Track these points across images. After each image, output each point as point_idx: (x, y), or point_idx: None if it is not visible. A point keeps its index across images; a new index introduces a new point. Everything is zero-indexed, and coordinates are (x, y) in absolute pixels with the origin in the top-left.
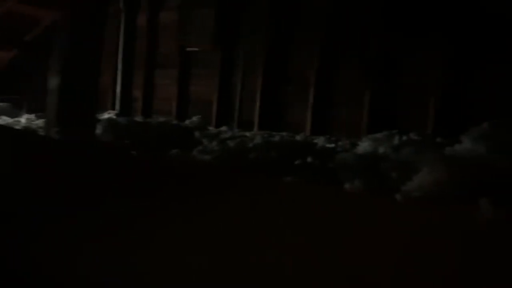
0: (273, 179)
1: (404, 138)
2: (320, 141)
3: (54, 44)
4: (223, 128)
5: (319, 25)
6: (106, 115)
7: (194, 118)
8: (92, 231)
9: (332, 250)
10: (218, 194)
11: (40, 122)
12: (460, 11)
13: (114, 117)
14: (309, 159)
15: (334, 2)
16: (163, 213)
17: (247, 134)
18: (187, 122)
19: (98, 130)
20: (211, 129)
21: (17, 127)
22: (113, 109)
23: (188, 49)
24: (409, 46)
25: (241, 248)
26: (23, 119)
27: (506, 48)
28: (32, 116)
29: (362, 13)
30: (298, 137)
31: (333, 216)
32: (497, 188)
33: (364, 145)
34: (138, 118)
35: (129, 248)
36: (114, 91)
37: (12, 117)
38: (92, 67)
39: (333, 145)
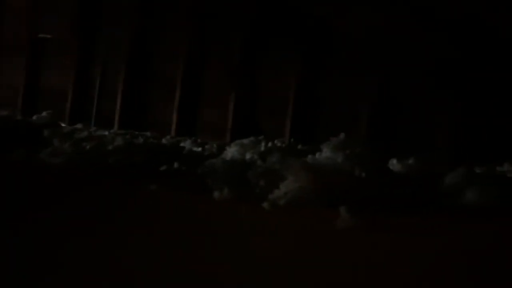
0: (136, 187)
1: (270, 144)
2: (186, 144)
3: None
4: (79, 125)
5: (186, 26)
6: None
7: (44, 113)
8: None
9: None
10: (68, 204)
11: None
12: (308, 24)
13: None
14: (176, 165)
15: (201, 4)
16: None
17: (106, 133)
18: (35, 117)
19: None
20: (65, 126)
21: None
22: None
23: (41, 35)
24: (268, 56)
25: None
26: None
27: (347, 60)
28: None
29: (228, 17)
30: (164, 140)
31: (199, 226)
32: (354, 196)
33: (231, 151)
34: None
35: None
36: None
37: None
38: None
39: (200, 148)
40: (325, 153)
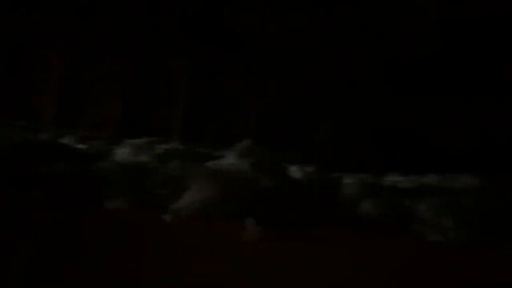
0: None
1: (167, 147)
2: (68, 140)
3: None
4: None
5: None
6: None
7: None
8: None
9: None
10: None
11: None
12: (202, 26)
13: None
14: (59, 166)
15: None
16: None
17: None
18: None
19: None
20: None
21: None
22: None
23: None
24: (158, 52)
25: None
26: None
27: (243, 61)
28: None
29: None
30: (41, 135)
31: (87, 241)
32: (261, 208)
33: (123, 152)
34: None
35: None
36: None
37: None
38: None
39: (84, 146)
40: (230, 159)
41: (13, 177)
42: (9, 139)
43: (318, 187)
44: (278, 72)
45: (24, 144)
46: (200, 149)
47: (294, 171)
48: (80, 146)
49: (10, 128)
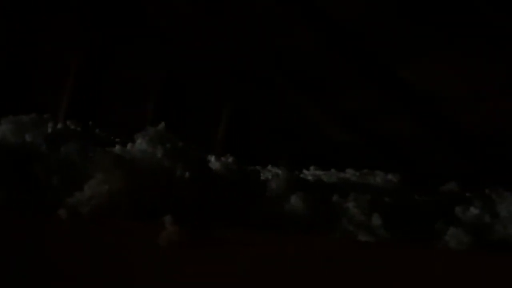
0: None
1: (59, 126)
2: None
3: None
4: None
5: None
6: None
7: None
8: None
9: None
10: None
11: None
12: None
13: None
14: None
15: None
16: None
17: None
18: None
19: None
20: None
21: None
22: None
23: None
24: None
25: None
26: None
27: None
28: None
29: None
30: None
31: None
32: (181, 204)
33: (2, 129)
34: None
35: None
36: None
37: None
38: None
39: None
40: (140, 146)
41: None
42: None
43: (241, 180)
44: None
45: None
46: (101, 132)
47: (212, 162)
48: None
49: None
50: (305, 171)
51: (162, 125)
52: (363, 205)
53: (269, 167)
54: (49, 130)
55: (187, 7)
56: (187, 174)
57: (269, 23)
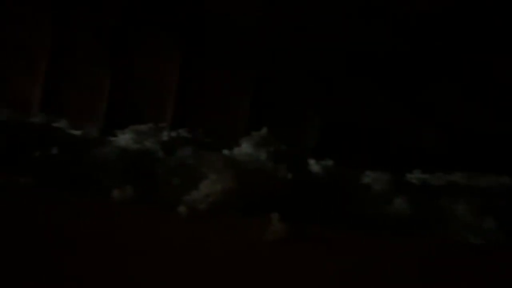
0: None
1: (173, 134)
2: (62, 124)
3: None
4: None
5: None
6: None
7: None
8: None
9: None
10: None
11: None
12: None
13: None
14: (53, 151)
15: None
16: None
17: None
18: None
19: None
20: None
21: None
22: None
23: None
24: (147, 42)
25: None
26: None
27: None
28: None
29: None
30: (35, 119)
31: (88, 236)
32: (285, 202)
33: (124, 138)
34: None
35: None
36: None
37: None
38: None
39: (79, 132)
40: (246, 149)
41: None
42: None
43: (342, 183)
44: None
45: (14, 127)
46: (209, 138)
47: (312, 165)
48: (75, 131)
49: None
50: (409, 175)
51: (264, 130)
52: (474, 208)
53: (368, 171)
54: (165, 137)
55: None
56: (289, 175)
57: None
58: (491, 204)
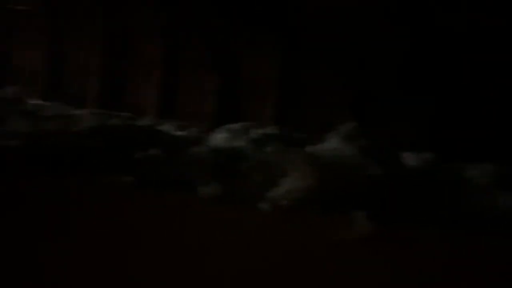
0: (101, 180)
1: (261, 131)
2: (166, 127)
3: None
4: (48, 103)
5: (163, 2)
6: None
7: (9, 89)
8: None
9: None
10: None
11: None
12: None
13: None
14: (153, 151)
15: None
16: None
17: (79, 112)
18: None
19: None
20: (32, 103)
21: None
22: None
23: (13, 7)
24: (250, 38)
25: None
26: None
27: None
28: None
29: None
30: (141, 122)
31: (175, 229)
32: (373, 200)
33: (218, 137)
34: None
35: None
36: None
37: None
38: None
39: (181, 133)
40: (331, 144)
41: (107, 161)
42: (107, 126)
43: (441, 177)
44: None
45: (121, 130)
46: (297, 134)
47: (409, 158)
48: (177, 133)
49: (110, 118)
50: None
51: (352, 124)
52: None
53: (472, 164)
54: (253, 135)
55: None
56: (379, 171)
57: None
58: None
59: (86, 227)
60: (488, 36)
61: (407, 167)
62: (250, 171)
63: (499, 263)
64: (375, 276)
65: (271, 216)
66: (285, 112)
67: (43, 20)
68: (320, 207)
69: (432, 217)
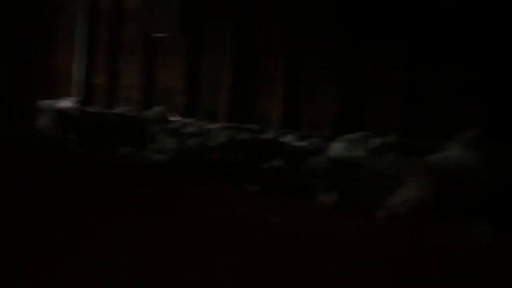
0: (233, 189)
1: (380, 140)
2: (289, 139)
3: None
4: (188, 120)
5: (285, 16)
6: (66, 102)
7: (156, 109)
8: None
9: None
10: (163, 206)
11: None
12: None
13: (71, 105)
14: (277, 162)
15: None
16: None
17: (213, 126)
18: (148, 112)
19: (46, 122)
20: (174, 120)
21: None
22: (74, 95)
23: (154, 35)
24: (372, 45)
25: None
26: None
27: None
28: None
29: (327, 8)
30: (266, 135)
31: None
32: (493, 209)
33: (337, 147)
34: (97, 107)
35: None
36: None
37: None
38: (16, 57)
39: (303, 143)
40: (452, 152)
41: (238, 171)
42: (240, 141)
43: None
44: None
45: (249, 143)
46: (419, 142)
47: None
48: (299, 143)
49: (240, 132)
50: None
51: (476, 131)
52: None
53: None
54: (372, 144)
55: None
56: (502, 179)
57: None
58: None
59: (224, 228)
60: None
61: None
62: (367, 180)
63: None
64: (497, 286)
65: (388, 224)
66: (409, 119)
67: (180, 44)
68: (439, 215)
69: None
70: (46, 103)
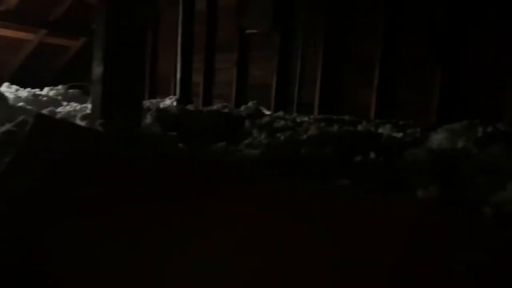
0: (322, 186)
1: (489, 129)
2: (385, 130)
3: (95, 31)
4: (280, 113)
5: (380, 4)
6: (167, 101)
7: (250, 104)
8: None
9: None
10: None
11: None
12: None
13: (170, 103)
14: (371, 155)
15: None
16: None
17: (306, 119)
18: (242, 108)
19: (148, 120)
20: (266, 115)
21: (79, 114)
22: (176, 94)
23: (247, 31)
24: (479, 26)
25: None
26: (90, 105)
27: None
28: None
29: None
30: (360, 126)
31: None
32: None
33: (438, 138)
34: (195, 104)
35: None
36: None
37: (80, 103)
38: (137, 54)
39: (400, 134)
40: None
41: (329, 166)
42: (332, 134)
43: None
44: None
45: (343, 137)
46: None
47: None
48: (396, 134)
49: (331, 123)
50: None
51: None
52: None
53: None
54: (479, 134)
55: None
56: None
57: None
58: None
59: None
60: None
61: None
62: (473, 173)
63: None
64: None
65: (496, 221)
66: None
67: (272, 39)
68: None
69: None
70: (148, 102)
